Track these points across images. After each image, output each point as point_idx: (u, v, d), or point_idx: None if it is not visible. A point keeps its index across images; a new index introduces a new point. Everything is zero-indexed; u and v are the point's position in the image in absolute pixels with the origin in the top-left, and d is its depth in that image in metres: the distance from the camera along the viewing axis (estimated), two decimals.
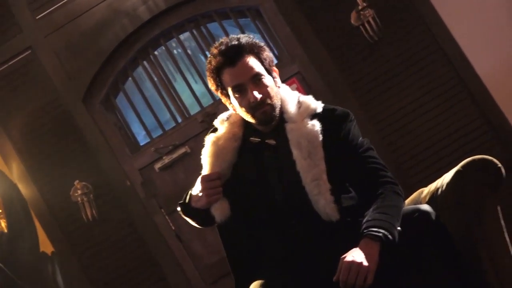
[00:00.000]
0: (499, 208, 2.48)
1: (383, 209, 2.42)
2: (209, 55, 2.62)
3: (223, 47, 2.56)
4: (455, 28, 5.08)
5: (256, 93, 2.52)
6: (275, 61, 5.39)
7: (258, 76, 2.55)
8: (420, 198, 2.80)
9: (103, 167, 5.35)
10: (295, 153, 2.55)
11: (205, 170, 2.65)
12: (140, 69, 5.58)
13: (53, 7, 5.42)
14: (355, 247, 2.36)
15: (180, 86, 5.51)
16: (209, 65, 2.61)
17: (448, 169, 2.60)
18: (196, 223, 2.75)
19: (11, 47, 5.45)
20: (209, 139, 2.70)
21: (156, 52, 5.61)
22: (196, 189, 2.61)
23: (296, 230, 2.53)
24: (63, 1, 5.41)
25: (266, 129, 2.64)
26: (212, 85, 2.64)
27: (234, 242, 2.62)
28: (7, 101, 5.45)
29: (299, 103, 2.66)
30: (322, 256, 2.48)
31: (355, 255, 2.29)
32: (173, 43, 5.68)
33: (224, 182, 2.60)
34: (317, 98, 4.98)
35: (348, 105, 4.89)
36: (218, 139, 2.67)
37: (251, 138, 2.62)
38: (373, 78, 5.13)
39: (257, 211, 2.59)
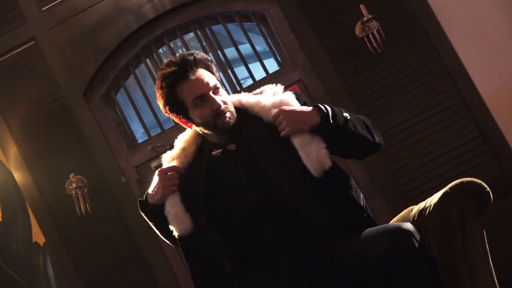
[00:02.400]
0: (484, 232, 2.45)
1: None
2: (159, 75, 2.64)
3: (178, 62, 2.60)
4: (459, 46, 5.05)
5: (218, 101, 2.57)
6: (277, 68, 5.40)
7: (217, 86, 2.61)
8: (409, 216, 2.77)
9: (99, 162, 5.33)
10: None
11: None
12: (142, 67, 5.57)
13: (59, 0, 5.42)
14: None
15: None
16: (163, 83, 2.61)
17: (442, 188, 2.56)
18: (155, 225, 2.72)
19: (15, 36, 5.44)
20: (165, 158, 2.79)
21: (160, 51, 5.59)
22: (153, 184, 2.65)
23: (271, 233, 2.51)
24: None
25: (221, 139, 2.67)
26: (165, 104, 2.65)
27: (199, 255, 2.59)
28: (8, 90, 5.44)
29: (260, 92, 2.74)
30: (304, 259, 2.47)
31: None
32: (178, 42, 5.68)
33: (198, 198, 2.62)
34: (313, 100, 5.09)
35: (340, 103, 4.96)
36: (172, 158, 2.74)
37: (213, 153, 2.66)
38: (374, 90, 5.10)
39: (230, 220, 2.58)
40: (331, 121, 2.45)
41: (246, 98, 2.70)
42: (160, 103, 2.65)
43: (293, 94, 2.62)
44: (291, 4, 5.24)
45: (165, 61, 2.64)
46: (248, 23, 5.56)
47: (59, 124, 5.37)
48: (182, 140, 2.75)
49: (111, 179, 5.32)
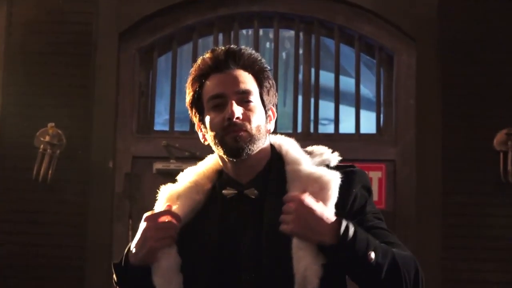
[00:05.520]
0: None
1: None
2: (199, 59, 2.63)
3: (222, 51, 2.59)
4: None
5: (236, 109, 2.52)
6: (374, 131, 5.31)
7: (248, 94, 2.57)
8: None
9: (93, 127, 5.30)
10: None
11: None
12: (209, 39, 5.56)
13: None
14: None
15: None
16: (194, 69, 2.61)
17: None
18: None
19: None
20: (164, 194, 2.69)
21: (242, 32, 5.61)
22: (138, 235, 2.55)
23: None
24: None
25: (241, 176, 2.62)
26: (188, 94, 2.63)
27: None
28: None
29: (307, 152, 2.68)
30: None
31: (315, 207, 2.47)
32: (269, 33, 5.65)
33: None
34: (396, 206, 5.10)
35: (427, 235, 5.07)
36: (177, 194, 2.67)
37: (224, 191, 2.61)
38: (472, 223, 5.15)
39: None
40: (344, 253, 2.44)
41: (287, 146, 2.68)
42: (187, 95, 2.65)
43: (340, 180, 2.57)
44: (433, 63, 5.21)
45: (214, 48, 2.62)
46: (368, 57, 5.53)
47: (70, 54, 5.38)
48: (194, 173, 2.70)
49: (96, 155, 5.30)
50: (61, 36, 5.42)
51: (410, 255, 2.59)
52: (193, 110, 2.62)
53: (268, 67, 2.66)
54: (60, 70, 5.38)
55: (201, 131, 2.65)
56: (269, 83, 2.64)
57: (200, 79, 2.57)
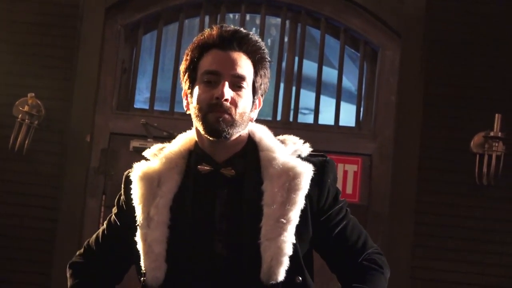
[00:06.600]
0: None
1: None
2: (205, 32, 2.67)
3: (230, 31, 2.64)
4: None
5: (226, 91, 2.55)
6: (353, 124, 5.30)
7: (242, 80, 2.62)
8: None
9: (74, 100, 5.26)
10: (267, 184, 2.62)
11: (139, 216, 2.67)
12: (195, 21, 5.52)
13: None
14: None
15: None
16: (198, 39, 2.66)
17: None
18: None
19: None
20: (140, 173, 2.70)
21: (229, 15, 5.58)
22: None
23: None
24: None
25: (218, 153, 2.65)
26: (185, 60, 2.67)
27: None
28: None
29: (280, 140, 2.74)
30: None
31: None
32: (256, 19, 5.61)
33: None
34: (370, 200, 5.13)
35: (399, 232, 5.04)
36: (157, 175, 2.68)
37: (200, 166, 2.64)
38: (447, 223, 5.12)
39: (188, 271, 2.62)
40: None
41: (261, 133, 2.73)
42: (183, 61, 2.67)
43: (313, 171, 2.62)
44: (417, 61, 5.20)
45: (223, 25, 2.67)
46: (353, 50, 5.50)
47: (56, 26, 5.34)
48: (169, 151, 2.71)
49: (73, 129, 5.25)
50: (47, 7, 5.34)
51: (384, 277, 2.68)
52: (185, 77, 2.65)
53: (269, 58, 2.69)
54: (44, 41, 5.31)
55: (186, 99, 2.67)
56: (265, 73, 2.68)
57: (201, 49, 2.62)
